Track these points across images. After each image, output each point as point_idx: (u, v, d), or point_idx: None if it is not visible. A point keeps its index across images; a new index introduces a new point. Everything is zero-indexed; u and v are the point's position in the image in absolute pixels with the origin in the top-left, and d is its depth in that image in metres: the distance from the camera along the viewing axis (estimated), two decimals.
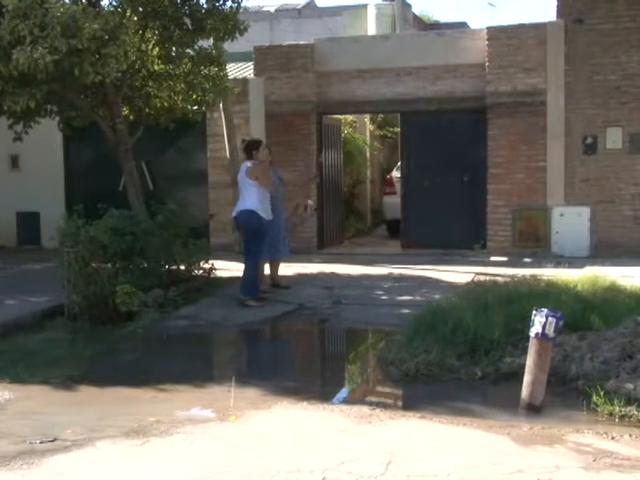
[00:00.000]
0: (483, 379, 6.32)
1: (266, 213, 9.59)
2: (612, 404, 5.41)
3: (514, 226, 12.74)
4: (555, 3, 12.87)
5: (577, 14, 12.57)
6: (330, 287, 10.30)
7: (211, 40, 11.34)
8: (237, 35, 11.04)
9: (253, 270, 9.56)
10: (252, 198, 9.49)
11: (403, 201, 14.14)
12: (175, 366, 7.22)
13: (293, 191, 13.94)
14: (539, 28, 12.88)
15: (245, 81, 14.24)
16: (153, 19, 10.72)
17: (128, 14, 10.50)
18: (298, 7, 21.45)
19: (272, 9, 21.14)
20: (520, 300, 7.30)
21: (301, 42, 14.54)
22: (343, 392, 6.59)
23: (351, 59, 13.82)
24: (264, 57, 14.23)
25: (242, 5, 11.10)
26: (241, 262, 9.78)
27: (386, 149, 18.85)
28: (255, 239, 9.52)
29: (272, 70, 14.08)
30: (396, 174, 15.66)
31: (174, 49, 11.16)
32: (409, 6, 20.34)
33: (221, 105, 13.29)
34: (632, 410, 5.35)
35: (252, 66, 14.62)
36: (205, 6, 10.77)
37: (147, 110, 11.62)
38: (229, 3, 10.83)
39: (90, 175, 14.65)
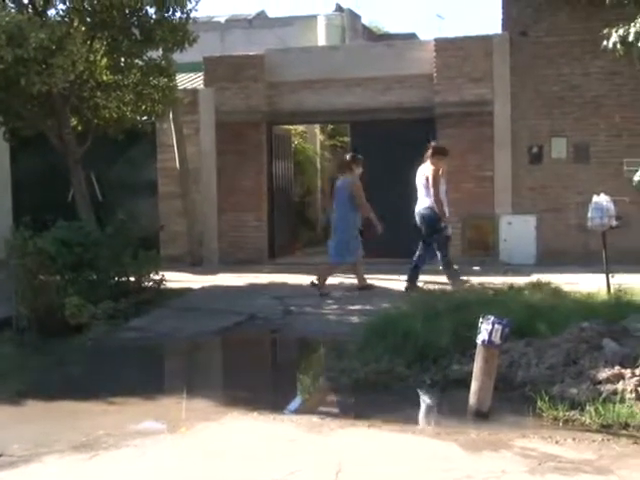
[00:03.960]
0: (432, 386, 6.38)
1: None
2: (557, 409, 5.51)
3: (463, 235, 12.90)
4: (501, 16, 13.10)
5: (522, 27, 12.82)
6: (281, 297, 10.32)
7: (160, 51, 11.31)
8: (187, 46, 11.05)
9: None
10: None
11: None
12: (125, 378, 7.17)
13: (244, 201, 14.02)
14: (485, 40, 13.11)
15: (195, 92, 14.24)
16: (101, 29, 10.68)
17: (75, 24, 10.44)
18: (249, 18, 21.47)
19: (222, 20, 21.13)
20: (468, 308, 7.38)
21: (251, 52, 14.56)
22: (294, 402, 6.61)
23: (301, 69, 13.89)
24: (214, 67, 14.24)
25: (192, 16, 11.10)
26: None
27: (336, 159, 18.92)
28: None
29: (222, 80, 14.08)
30: None
31: (123, 59, 11.13)
32: (358, 17, 20.50)
33: (171, 116, 13.26)
34: (575, 414, 5.45)
35: (202, 76, 14.61)
36: (154, 17, 10.76)
37: (96, 121, 11.55)
38: (178, 14, 10.84)
39: (38, 186, 14.47)
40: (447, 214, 10.30)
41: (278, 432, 5.44)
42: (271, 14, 22.75)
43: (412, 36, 20.21)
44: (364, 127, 13.96)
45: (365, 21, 21.93)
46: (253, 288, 11.21)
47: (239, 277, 11.96)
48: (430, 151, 10.55)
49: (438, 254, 10.31)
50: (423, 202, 10.46)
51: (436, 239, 10.26)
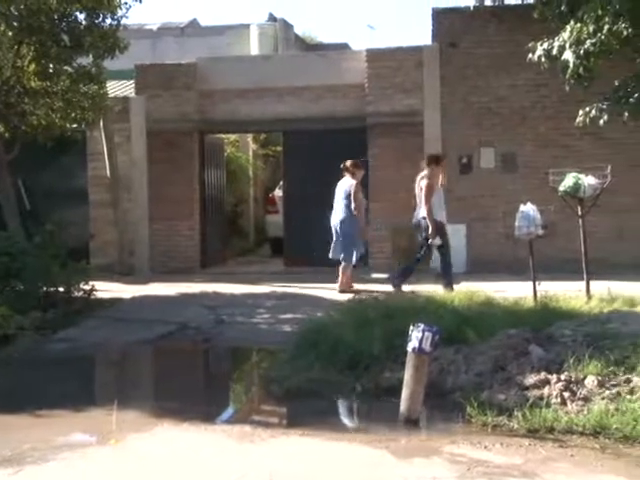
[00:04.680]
0: (364, 394, 6.41)
1: None
2: (485, 415, 5.59)
3: (394, 243, 13.01)
4: (431, 27, 13.29)
5: (451, 39, 13.04)
6: (213, 306, 10.28)
7: (91, 57, 11.18)
8: (117, 53, 10.94)
9: None
10: None
11: (285, 219, 14.26)
12: (54, 390, 7.03)
13: (175, 210, 13.91)
14: (416, 51, 13.29)
15: (126, 99, 14.10)
16: (29, 34, 10.50)
17: (2, 29, 10.23)
18: (181, 26, 21.36)
19: (154, 27, 20.97)
20: (399, 315, 7.45)
21: (183, 61, 14.48)
22: (225, 412, 6.58)
23: (234, 78, 13.87)
24: (146, 75, 14.13)
25: (122, 23, 11.01)
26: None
27: (269, 168, 18.95)
28: None
29: (154, 88, 13.98)
30: (279, 193, 15.77)
31: (51, 66, 10.96)
32: (291, 27, 20.56)
33: (102, 123, 13.10)
34: (504, 420, 5.55)
35: (134, 84, 14.47)
36: (84, 23, 10.62)
37: (23, 127, 11.34)
38: (109, 20, 10.75)
39: None
40: (444, 221, 10.61)
41: (209, 442, 5.41)
42: (203, 23, 22.67)
43: (344, 46, 20.36)
44: (297, 136, 14.01)
45: (298, 31, 22.03)
46: (185, 297, 11.13)
47: (170, 286, 11.86)
48: (426, 160, 10.85)
49: (416, 258, 10.64)
50: (420, 212, 10.69)
51: (424, 246, 10.54)
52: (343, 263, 11.29)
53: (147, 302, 10.92)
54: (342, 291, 11.01)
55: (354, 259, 11.28)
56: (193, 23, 22.11)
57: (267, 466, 4.88)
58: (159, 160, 13.84)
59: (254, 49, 19.09)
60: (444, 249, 10.57)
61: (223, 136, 15.89)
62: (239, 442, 5.37)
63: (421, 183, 10.66)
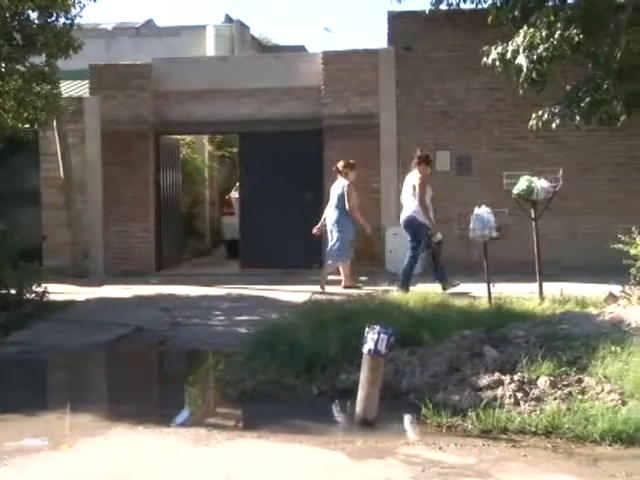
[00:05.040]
0: (320, 396, 6.43)
1: None
2: (440, 416, 5.64)
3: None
4: (386, 31, 13.36)
5: (407, 42, 13.12)
6: (168, 308, 10.22)
7: (44, 57, 11.02)
8: (71, 52, 10.79)
9: None
10: None
11: (241, 221, 14.22)
12: (5, 394, 6.91)
13: (130, 211, 13.80)
14: (372, 54, 13.35)
15: (80, 100, 13.95)
16: None
17: None
18: (136, 26, 21.18)
19: (109, 27, 20.77)
20: (355, 318, 7.47)
21: (139, 61, 14.36)
22: (180, 415, 6.54)
23: (190, 79, 13.79)
24: (100, 75, 13.99)
25: (76, 22, 10.87)
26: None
27: (225, 170, 18.88)
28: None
29: (108, 89, 13.85)
30: (235, 194, 15.73)
31: (3, 65, 10.75)
32: (247, 28, 20.53)
33: (55, 124, 12.93)
34: (458, 420, 5.60)
35: (88, 84, 14.32)
36: (36, 21, 10.47)
37: None
38: (62, 19, 10.59)
39: None
40: (433, 220, 10.76)
41: (164, 446, 5.37)
42: (159, 23, 22.50)
43: (301, 48, 20.38)
44: (253, 138, 13.99)
45: (254, 32, 22.00)
46: (140, 300, 11.04)
47: (125, 289, 11.76)
48: (416, 160, 10.98)
49: (409, 258, 10.72)
50: (408, 209, 10.86)
51: (419, 244, 10.67)
52: (341, 261, 11.44)
53: (101, 304, 10.82)
54: (347, 287, 11.16)
55: (350, 254, 11.46)
56: (149, 23, 21.94)
57: (223, 469, 4.86)
58: (114, 161, 13.71)
59: (210, 50, 19.02)
60: (417, 250, 10.70)
61: (179, 137, 15.79)
62: (194, 445, 5.34)
63: (413, 181, 10.84)
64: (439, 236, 10.74)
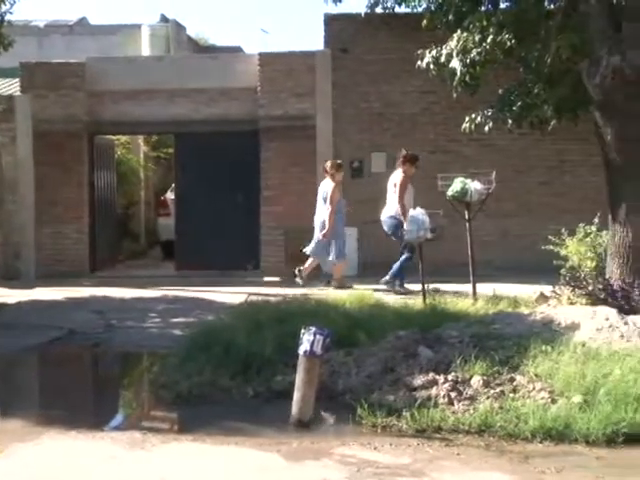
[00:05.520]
0: (256, 398, 6.42)
1: None
2: (375, 416, 5.69)
3: (286, 247, 13.06)
4: (323, 33, 13.41)
5: (343, 44, 13.19)
6: (102, 311, 10.08)
7: None
8: (1, 50, 10.59)
9: None
10: None
11: (177, 222, 14.12)
12: None
13: (64, 212, 13.58)
14: (308, 56, 13.38)
15: (11, 98, 13.67)
16: None
17: None
18: (69, 24, 20.86)
19: (41, 24, 20.41)
20: (292, 319, 7.49)
21: (72, 60, 14.13)
22: (115, 419, 6.47)
23: (125, 79, 13.63)
24: (31, 74, 13.72)
25: (7, 19, 10.68)
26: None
27: (161, 170, 18.70)
28: None
29: (41, 88, 13.60)
30: (171, 195, 15.61)
31: None
32: (183, 28, 20.36)
33: None
34: (393, 420, 5.66)
35: (19, 83, 14.04)
36: None
37: None
38: None
39: None
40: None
41: (98, 450, 5.30)
42: (93, 22, 22.20)
43: (237, 49, 20.31)
44: (189, 139, 13.89)
45: (191, 33, 21.84)
46: (73, 302, 10.88)
47: (58, 291, 11.57)
48: (401, 159, 11.15)
49: (406, 257, 10.91)
50: (389, 209, 11.04)
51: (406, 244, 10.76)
52: (336, 261, 11.55)
53: (34, 307, 10.62)
54: (338, 287, 11.17)
55: (342, 252, 11.57)
56: (82, 22, 21.64)
57: (158, 472, 4.83)
58: (47, 161, 13.47)
59: (145, 50, 18.82)
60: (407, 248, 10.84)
61: (113, 137, 15.60)
62: (129, 449, 5.29)
63: (395, 180, 11.08)
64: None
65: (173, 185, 15.25)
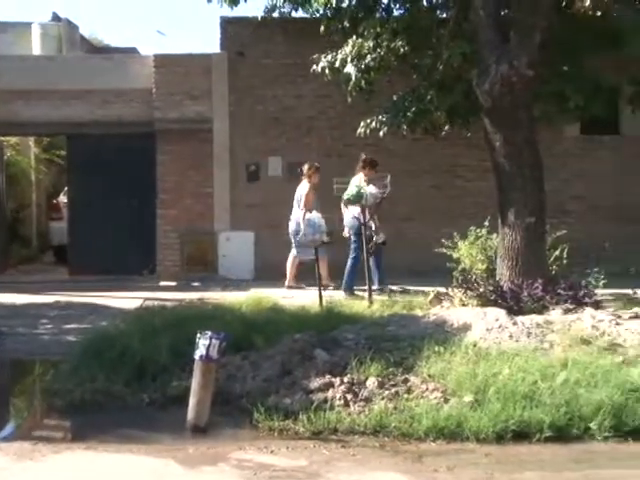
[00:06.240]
0: (151, 404, 6.33)
1: None
2: (272, 419, 5.70)
3: (183, 251, 12.96)
4: (219, 36, 13.36)
5: (239, 47, 13.16)
6: None
7: None
8: None
9: None
10: None
11: (70, 226, 13.81)
12: None
13: None
14: (205, 58, 13.31)
15: None
16: None
17: None
18: None
19: None
20: (188, 323, 7.41)
21: None
22: (4, 429, 6.26)
23: (15, 79, 13.23)
24: None
25: None
26: None
27: (53, 173, 18.23)
28: None
29: None
30: (63, 199, 15.26)
31: None
32: (76, 27, 19.87)
33: None
34: (289, 423, 5.68)
35: None
36: None
37: None
38: None
39: None
40: (377, 221, 10.84)
41: None
42: None
43: (133, 50, 19.96)
44: (82, 141, 13.60)
45: (84, 32, 21.34)
46: None
47: None
48: (361, 164, 11.10)
49: (353, 260, 10.85)
50: (352, 212, 10.82)
51: (361, 245, 10.65)
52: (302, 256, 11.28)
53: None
54: (325, 286, 10.90)
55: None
56: None
57: None
58: None
59: (36, 49, 18.26)
60: (359, 251, 10.77)
61: (2, 139, 15.13)
62: (18, 460, 5.13)
63: (357, 184, 10.81)
64: (382, 237, 10.89)
65: (66, 188, 14.89)
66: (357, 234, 10.87)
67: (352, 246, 10.96)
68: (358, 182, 10.65)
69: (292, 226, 11.36)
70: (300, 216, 10.96)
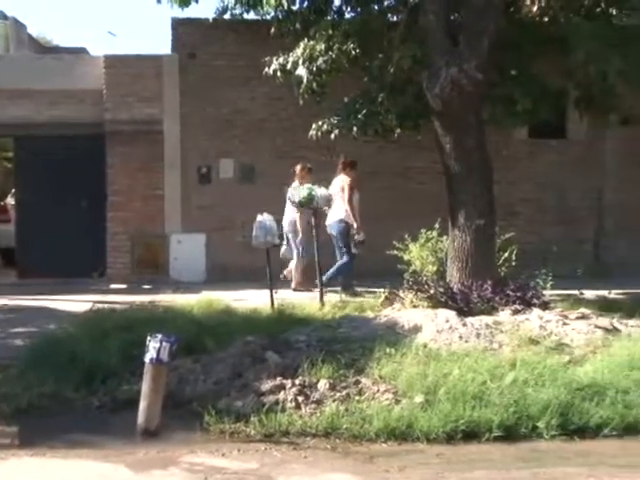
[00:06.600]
0: (101, 408, 6.28)
1: None
2: (223, 422, 5.68)
3: (133, 253, 12.83)
4: (170, 37, 13.26)
5: (190, 49, 13.08)
6: None
7: None
8: None
9: None
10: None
11: (18, 228, 13.58)
12: None
13: None
14: (156, 60, 13.18)
15: None
16: None
17: None
18: None
19: None
20: (138, 326, 7.37)
21: None
22: None
23: None
24: None
25: None
26: None
27: (0, 175, 17.94)
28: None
29: None
30: (11, 201, 15.01)
31: None
32: (24, 27, 19.60)
33: None
34: (241, 426, 5.67)
35: None
36: None
37: None
38: None
39: None
40: (359, 221, 10.97)
41: None
42: None
43: (82, 50, 19.73)
44: (30, 142, 13.37)
45: (33, 32, 21.05)
46: None
47: None
48: (341, 165, 11.31)
49: (347, 259, 11.00)
50: (337, 213, 10.99)
51: (349, 245, 10.93)
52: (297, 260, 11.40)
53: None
54: (295, 290, 11.14)
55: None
56: None
57: None
58: None
59: None
60: (350, 251, 10.97)
61: None
62: None
63: (341, 184, 11.14)
64: (362, 236, 10.98)
65: (13, 190, 14.66)
66: (342, 237, 11.02)
67: (342, 251, 11.06)
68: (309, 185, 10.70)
69: (287, 226, 11.41)
70: (297, 216, 11.14)
